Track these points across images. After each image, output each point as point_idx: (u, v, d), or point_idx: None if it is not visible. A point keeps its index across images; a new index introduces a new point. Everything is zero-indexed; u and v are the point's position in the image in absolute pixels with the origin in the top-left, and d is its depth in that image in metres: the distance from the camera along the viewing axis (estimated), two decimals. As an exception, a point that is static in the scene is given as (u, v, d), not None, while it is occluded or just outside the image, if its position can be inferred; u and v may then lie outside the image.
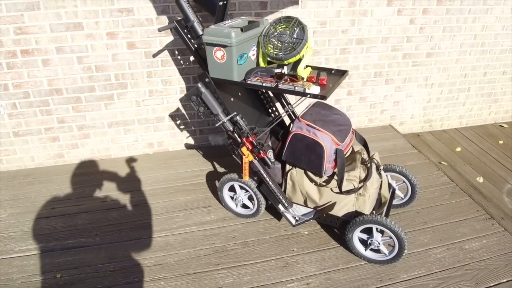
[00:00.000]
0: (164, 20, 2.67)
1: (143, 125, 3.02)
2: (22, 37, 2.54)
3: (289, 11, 2.82)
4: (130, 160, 3.07)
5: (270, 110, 2.60)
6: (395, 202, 2.51)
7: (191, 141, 3.21)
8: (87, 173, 2.92)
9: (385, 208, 2.26)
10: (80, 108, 2.85)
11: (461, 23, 3.21)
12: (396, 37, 3.14)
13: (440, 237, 2.31)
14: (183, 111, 3.05)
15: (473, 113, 3.78)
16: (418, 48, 3.24)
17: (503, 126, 3.87)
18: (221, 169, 2.96)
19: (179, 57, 2.82)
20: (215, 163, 3.03)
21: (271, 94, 2.58)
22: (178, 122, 3.08)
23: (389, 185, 2.43)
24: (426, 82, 3.45)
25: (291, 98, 2.52)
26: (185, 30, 2.27)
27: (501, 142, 3.56)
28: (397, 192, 2.48)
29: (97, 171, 2.94)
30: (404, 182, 2.42)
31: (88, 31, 2.60)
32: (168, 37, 2.73)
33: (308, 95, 1.90)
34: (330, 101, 3.29)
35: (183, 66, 2.86)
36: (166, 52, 2.78)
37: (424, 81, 3.44)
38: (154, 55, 2.77)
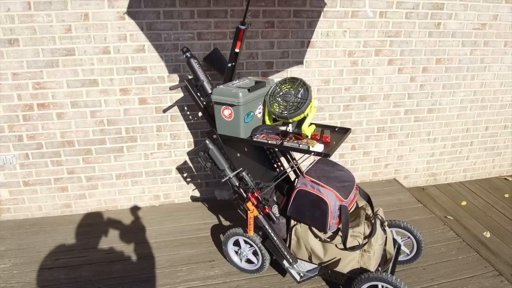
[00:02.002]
0: (175, 78, 2.81)
1: (151, 177, 3.08)
2: (39, 91, 2.67)
3: (294, 70, 2.97)
4: (136, 212, 3.09)
5: (275, 165, 2.65)
6: (401, 258, 2.48)
7: (197, 193, 3.25)
8: (93, 224, 2.94)
9: (390, 264, 2.24)
10: (90, 159, 2.93)
11: (460, 80, 3.33)
12: (398, 94, 3.26)
13: (448, 296, 2.27)
14: (190, 164, 3.12)
15: (477, 166, 3.81)
16: (420, 104, 3.35)
17: (508, 179, 3.88)
18: (226, 223, 2.96)
19: (188, 112, 2.93)
20: (220, 216, 3.04)
21: (276, 150, 2.65)
22: (185, 174, 3.14)
23: (394, 241, 2.42)
24: (429, 137, 3.52)
25: (295, 154, 2.58)
26: (195, 89, 2.39)
27: (507, 195, 3.56)
28: (403, 248, 2.46)
29: (102, 222, 2.96)
30: (409, 238, 2.41)
31: (103, 87, 2.74)
32: (178, 94, 2.86)
33: (312, 153, 1.96)
34: (334, 155, 3.36)
35: (192, 121, 2.96)
36: (176, 107, 2.90)
37: (426, 135, 3.51)
38: (164, 111, 2.88)
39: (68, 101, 2.73)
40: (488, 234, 2.96)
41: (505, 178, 3.91)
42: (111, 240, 2.74)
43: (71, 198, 3.03)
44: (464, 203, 3.43)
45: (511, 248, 2.81)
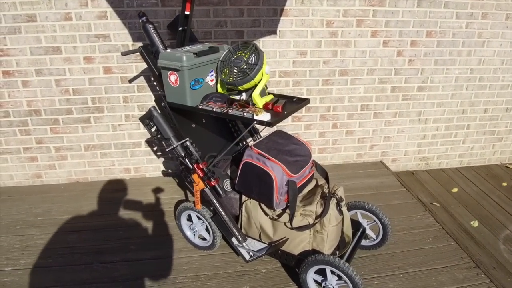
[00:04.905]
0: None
1: (120, 149, 3.00)
2: (3, 58, 2.62)
3: (266, 41, 2.79)
4: (105, 185, 3.03)
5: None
6: (367, 243, 2.31)
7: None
8: (60, 195, 2.91)
9: (349, 249, 2.08)
10: (57, 129, 2.88)
11: (454, 56, 3.06)
12: (383, 69, 3.02)
13: (413, 285, 2.08)
14: (160, 137, 3.02)
15: (475, 152, 3.53)
16: (408, 81, 3.10)
17: (509, 167, 3.58)
18: (192, 198, 2.86)
19: (154, 83, 2.82)
20: (187, 192, 2.94)
21: (239, 123, 2.51)
22: (155, 148, 3.05)
23: (359, 224, 2.25)
24: (420, 117, 3.27)
25: (260, 128, 2.44)
26: (151, 56, 2.27)
27: (505, 184, 3.28)
28: (368, 232, 2.29)
29: (69, 194, 2.92)
30: (375, 221, 2.23)
31: (66, 55, 2.66)
32: (144, 64, 2.74)
33: (255, 122, 1.82)
34: (314, 134, 3.17)
35: (159, 92, 2.85)
36: (142, 77, 2.79)
37: (417, 116, 3.26)
38: (130, 81, 2.79)
39: (32, 69, 2.67)
40: (475, 224, 2.74)
41: (506, 166, 3.61)
42: (74, 211, 2.69)
43: (41, 168, 3.00)
44: (455, 190, 3.19)
45: (499, 239, 2.58)
